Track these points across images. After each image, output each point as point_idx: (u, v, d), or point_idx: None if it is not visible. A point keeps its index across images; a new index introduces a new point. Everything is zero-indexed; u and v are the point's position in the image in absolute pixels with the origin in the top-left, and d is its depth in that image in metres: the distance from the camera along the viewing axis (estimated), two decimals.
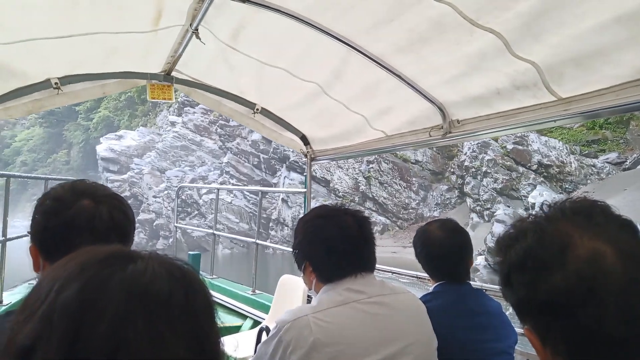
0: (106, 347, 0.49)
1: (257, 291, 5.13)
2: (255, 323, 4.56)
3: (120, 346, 0.50)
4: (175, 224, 8.55)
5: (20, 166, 49.98)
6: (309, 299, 3.66)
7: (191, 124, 34.20)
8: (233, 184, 28.97)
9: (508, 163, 22.44)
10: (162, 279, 0.56)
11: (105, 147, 37.16)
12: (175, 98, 3.79)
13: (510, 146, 22.62)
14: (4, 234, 4.15)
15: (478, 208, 22.23)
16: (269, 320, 3.87)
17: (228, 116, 4.27)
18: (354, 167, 27.29)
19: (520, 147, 22.50)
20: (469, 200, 23.00)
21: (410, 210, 26.18)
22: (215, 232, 6.75)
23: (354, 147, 3.75)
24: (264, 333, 2.56)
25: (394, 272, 3.79)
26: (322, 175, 27.32)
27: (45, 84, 3.12)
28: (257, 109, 3.83)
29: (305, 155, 4.31)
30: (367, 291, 1.50)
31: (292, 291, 3.93)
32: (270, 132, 4.23)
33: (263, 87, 3.57)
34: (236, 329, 4.59)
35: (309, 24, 2.43)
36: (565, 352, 0.72)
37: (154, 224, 30.79)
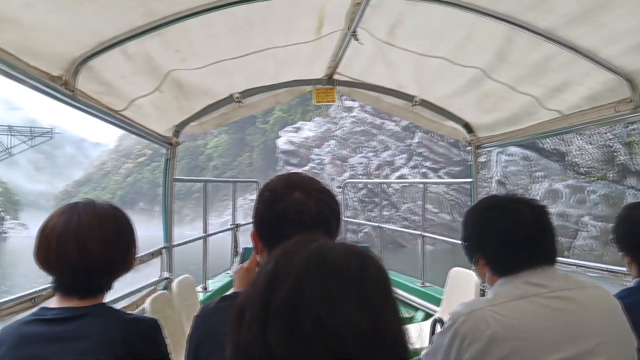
0: (289, 301, 0.63)
1: (426, 283, 5.12)
2: (427, 315, 4.56)
3: (299, 301, 0.63)
4: (344, 218, 8.97)
5: (212, 170, 57.43)
6: (482, 292, 3.54)
7: (369, 107, 31.62)
8: (427, 167, 26.25)
9: None
10: (337, 252, 0.68)
11: (284, 140, 36.94)
12: (338, 99, 4.02)
13: None
14: (205, 230, 4.87)
15: None
16: (442, 313, 3.84)
17: (387, 111, 4.36)
18: (599, 133, 20.22)
19: None
20: None
21: None
22: (380, 225, 6.96)
23: (524, 130, 3.50)
24: (438, 325, 2.57)
25: (580, 265, 3.42)
26: (553, 147, 21.39)
27: (229, 99, 3.61)
28: (416, 101, 3.83)
29: (469, 144, 4.16)
30: (548, 285, 1.41)
31: (463, 284, 3.84)
32: (430, 122, 4.19)
33: (422, 78, 3.55)
34: (408, 321, 4.65)
35: (469, 8, 2.35)
36: None
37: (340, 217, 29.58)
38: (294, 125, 39.59)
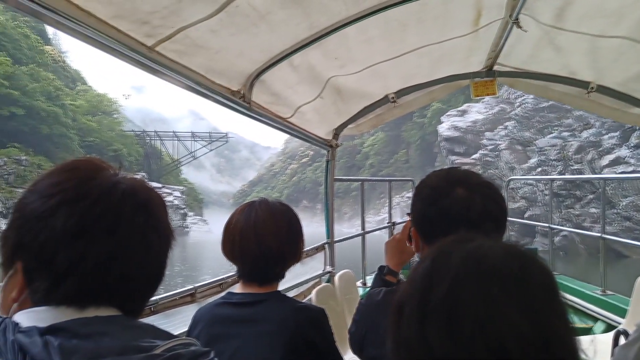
0: (447, 302, 0.62)
1: (607, 292, 4.54)
2: (609, 327, 4.05)
3: (457, 302, 0.62)
4: (510, 218, 8.37)
5: (369, 168, 58.65)
6: None
7: None
8: None
9: None
10: (496, 252, 0.66)
11: (447, 125, 32.14)
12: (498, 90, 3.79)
13: None
14: (363, 227, 5.03)
15: None
16: (628, 324, 3.38)
17: (557, 101, 4.00)
18: None
19: None
20: None
21: None
22: (551, 225, 6.33)
23: None
24: (622, 337, 2.28)
25: None
26: None
27: (384, 100, 3.69)
28: (592, 88, 3.43)
29: None
30: None
31: None
32: (610, 111, 3.71)
33: (598, 62, 3.17)
34: (586, 331, 4.19)
35: None
36: None
37: (525, 215, 22.18)
38: (458, 109, 34.37)
